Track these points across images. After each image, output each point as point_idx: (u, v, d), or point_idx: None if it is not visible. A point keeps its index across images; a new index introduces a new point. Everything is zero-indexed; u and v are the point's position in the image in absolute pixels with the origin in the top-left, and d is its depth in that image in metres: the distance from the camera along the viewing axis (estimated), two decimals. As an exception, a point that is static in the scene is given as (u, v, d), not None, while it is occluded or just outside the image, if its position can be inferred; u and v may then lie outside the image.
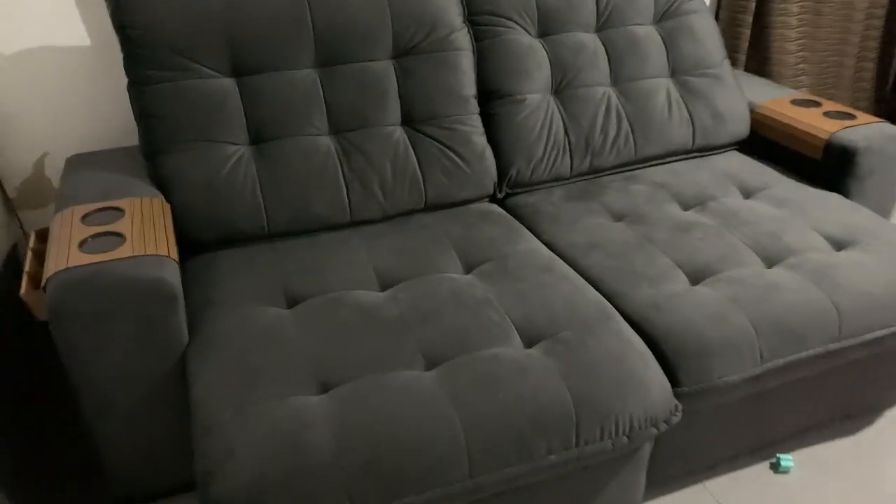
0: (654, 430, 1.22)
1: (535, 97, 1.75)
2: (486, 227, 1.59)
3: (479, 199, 1.72)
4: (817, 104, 1.93)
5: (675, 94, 1.88)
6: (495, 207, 1.71)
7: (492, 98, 1.74)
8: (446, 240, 1.54)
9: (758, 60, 2.46)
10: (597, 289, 1.42)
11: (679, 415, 1.25)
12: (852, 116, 1.83)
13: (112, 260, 1.20)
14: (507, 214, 1.67)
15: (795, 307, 1.35)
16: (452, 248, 1.51)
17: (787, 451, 1.60)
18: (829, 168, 1.77)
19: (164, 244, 1.28)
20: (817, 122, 1.82)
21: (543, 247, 1.54)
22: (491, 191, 1.73)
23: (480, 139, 1.70)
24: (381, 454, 1.05)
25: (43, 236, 1.46)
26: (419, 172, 1.63)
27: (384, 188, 1.60)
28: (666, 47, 1.90)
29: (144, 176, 1.50)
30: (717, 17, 2.39)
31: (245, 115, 1.53)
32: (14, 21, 1.59)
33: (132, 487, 1.41)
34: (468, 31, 1.72)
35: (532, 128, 1.74)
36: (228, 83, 1.52)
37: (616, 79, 1.85)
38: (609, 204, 1.69)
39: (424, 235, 1.55)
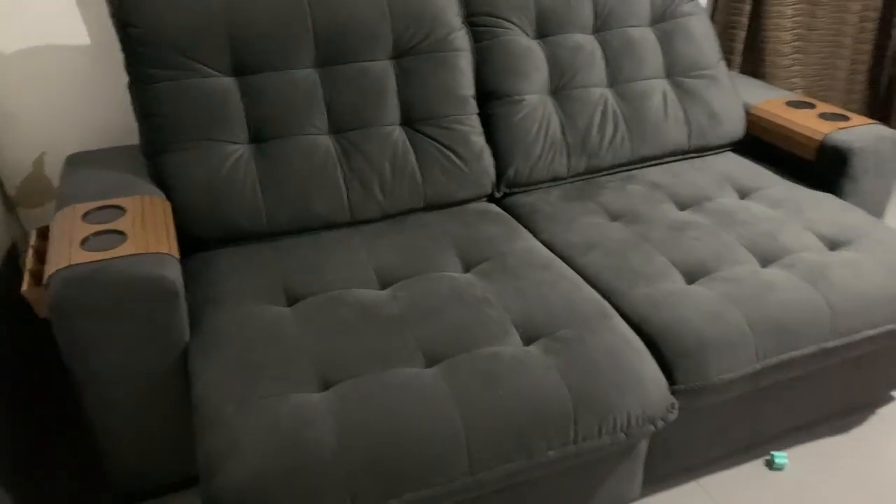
0: (651, 427, 1.23)
1: (533, 98, 1.76)
2: (485, 226, 1.60)
3: (478, 198, 1.73)
4: (811, 106, 1.94)
5: (671, 95, 1.90)
6: (493, 207, 1.72)
7: (490, 98, 1.75)
8: (445, 239, 1.55)
9: (752, 62, 2.47)
10: (594, 287, 1.43)
11: (675, 412, 1.26)
12: (846, 118, 1.85)
13: (114, 257, 1.20)
14: (506, 213, 1.69)
15: (790, 306, 1.37)
16: (452, 247, 1.52)
17: (781, 448, 1.61)
18: (824, 169, 1.79)
19: (165, 242, 1.28)
20: (812, 124, 1.83)
21: (542, 245, 1.55)
22: (489, 190, 1.74)
23: (479, 139, 1.71)
24: (381, 451, 1.06)
25: (44, 234, 1.46)
26: (418, 172, 1.64)
27: (383, 187, 1.61)
28: (662, 49, 1.92)
29: (145, 174, 1.51)
30: (712, 19, 2.41)
31: (246, 114, 1.53)
32: (14, 20, 1.59)
33: (133, 484, 1.41)
34: (467, 32, 1.73)
35: (530, 128, 1.75)
36: (229, 82, 1.53)
37: (613, 80, 1.87)
38: (606, 204, 1.70)
39: (424, 234, 1.56)
